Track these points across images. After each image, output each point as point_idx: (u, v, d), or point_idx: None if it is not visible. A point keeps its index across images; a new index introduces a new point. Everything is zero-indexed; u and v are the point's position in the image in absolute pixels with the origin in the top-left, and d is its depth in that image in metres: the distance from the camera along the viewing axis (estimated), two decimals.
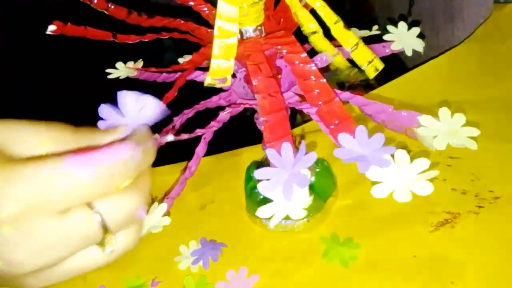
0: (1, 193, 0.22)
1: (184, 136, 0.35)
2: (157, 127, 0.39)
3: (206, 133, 0.39)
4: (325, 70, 0.34)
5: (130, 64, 0.43)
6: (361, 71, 0.33)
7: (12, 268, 0.24)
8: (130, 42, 0.39)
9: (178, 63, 0.43)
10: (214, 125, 0.38)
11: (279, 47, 0.33)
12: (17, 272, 0.24)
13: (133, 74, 0.42)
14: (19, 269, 0.24)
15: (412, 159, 0.27)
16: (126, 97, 0.28)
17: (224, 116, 0.38)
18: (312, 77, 0.31)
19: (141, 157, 0.25)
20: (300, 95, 0.36)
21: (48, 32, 0.35)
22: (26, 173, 0.23)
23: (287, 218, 0.29)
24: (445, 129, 0.29)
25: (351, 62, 0.34)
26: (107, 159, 0.24)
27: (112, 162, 0.24)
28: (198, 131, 0.38)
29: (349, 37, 0.31)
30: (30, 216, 0.23)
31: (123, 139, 0.26)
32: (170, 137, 0.31)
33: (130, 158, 0.25)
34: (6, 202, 0.22)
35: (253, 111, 0.38)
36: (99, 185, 0.24)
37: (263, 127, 0.30)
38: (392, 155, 0.27)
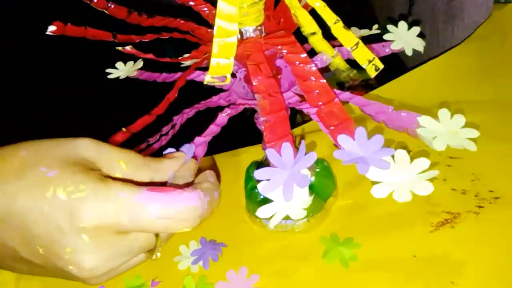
0: (85, 205, 0.26)
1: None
2: (157, 127, 0.39)
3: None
4: (325, 71, 0.34)
5: (130, 64, 0.43)
6: (360, 72, 0.33)
7: (82, 273, 0.27)
8: (130, 42, 0.39)
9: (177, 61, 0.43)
10: (214, 130, 0.38)
11: (279, 47, 0.33)
12: (85, 276, 0.27)
13: (133, 74, 0.42)
14: (88, 274, 0.27)
15: (412, 159, 0.27)
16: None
17: (222, 118, 0.38)
18: (312, 77, 0.31)
19: (206, 207, 0.28)
20: (300, 95, 0.36)
21: (48, 33, 0.35)
22: (108, 193, 0.26)
23: (287, 218, 0.29)
24: (445, 131, 0.29)
25: (351, 62, 0.34)
26: (177, 203, 0.27)
27: (181, 207, 0.27)
28: (199, 140, 0.38)
29: (349, 37, 0.31)
30: (103, 230, 0.26)
31: (194, 187, 0.29)
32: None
33: (197, 206, 0.28)
34: (87, 213, 0.26)
35: (253, 111, 0.38)
36: (162, 224, 0.27)
37: (263, 127, 0.30)
38: (392, 155, 0.27)
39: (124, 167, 0.29)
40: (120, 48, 0.40)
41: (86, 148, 0.29)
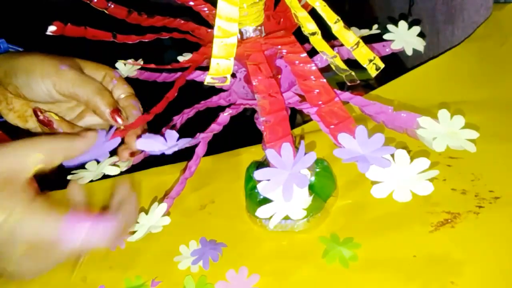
0: (17, 229, 0.29)
1: (188, 141, 0.35)
2: (158, 127, 0.39)
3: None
4: (325, 70, 0.34)
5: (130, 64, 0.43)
6: (360, 72, 0.33)
7: (18, 276, 0.31)
8: (130, 42, 0.39)
9: (178, 62, 0.43)
10: (215, 128, 0.38)
11: (279, 47, 0.33)
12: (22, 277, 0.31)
13: (133, 74, 0.42)
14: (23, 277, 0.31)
15: (412, 159, 0.27)
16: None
17: (224, 117, 0.38)
18: (312, 77, 0.31)
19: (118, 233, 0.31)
20: (300, 95, 0.36)
21: (48, 33, 0.35)
22: (37, 219, 0.29)
23: (287, 218, 0.29)
24: (444, 131, 0.29)
25: (352, 62, 0.34)
26: (91, 235, 0.30)
27: (93, 241, 0.30)
28: (199, 136, 0.38)
29: (350, 36, 0.31)
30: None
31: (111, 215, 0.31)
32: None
33: (110, 235, 0.30)
34: (20, 236, 0.29)
35: (253, 111, 0.38)
36: (80, 249, 0.30)
37: (263, 127, 0.30)
38: (392, 155, 0.27)
39: (41, 158, 0.31)
40: (122, 61, 0.40)
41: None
